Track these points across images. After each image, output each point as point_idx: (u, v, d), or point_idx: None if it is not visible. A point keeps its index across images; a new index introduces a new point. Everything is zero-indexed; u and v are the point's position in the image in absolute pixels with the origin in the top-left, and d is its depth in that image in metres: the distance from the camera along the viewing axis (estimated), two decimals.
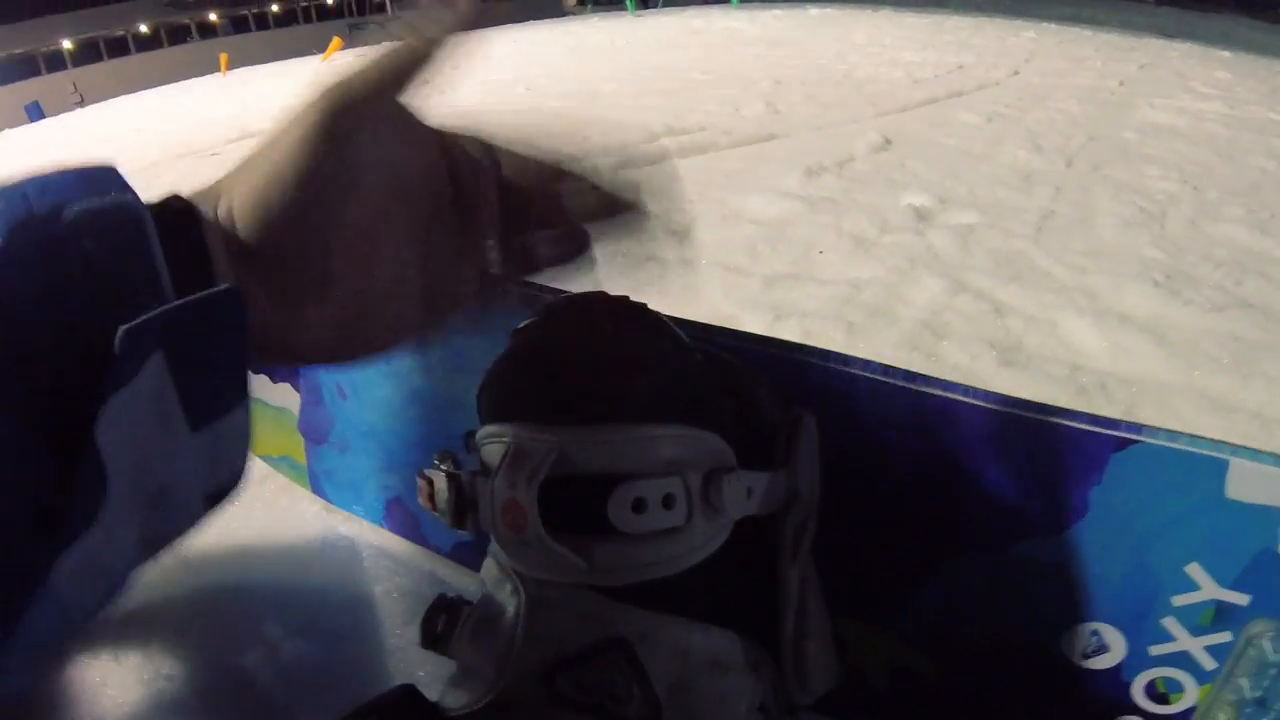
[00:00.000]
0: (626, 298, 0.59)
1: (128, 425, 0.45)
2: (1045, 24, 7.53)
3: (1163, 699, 0.62)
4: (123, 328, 0.41)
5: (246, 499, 1.06)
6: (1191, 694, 0.61)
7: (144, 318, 0.42)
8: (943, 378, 0.63)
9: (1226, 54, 6.06)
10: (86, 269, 0.42)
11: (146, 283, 0.44)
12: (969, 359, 1.40)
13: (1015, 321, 1.55)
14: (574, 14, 14.64)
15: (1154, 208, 2.26)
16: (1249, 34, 8.61)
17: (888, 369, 0.64)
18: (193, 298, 0.43)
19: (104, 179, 0.47)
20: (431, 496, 0.56)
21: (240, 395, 0.48)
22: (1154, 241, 2.01)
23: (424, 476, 0.57)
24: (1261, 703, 0.59)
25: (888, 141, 2.92)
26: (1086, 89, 4.17)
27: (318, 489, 1.05)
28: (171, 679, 0.84)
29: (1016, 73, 4.63)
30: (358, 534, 1.01)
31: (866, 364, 0.65)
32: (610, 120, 3.44)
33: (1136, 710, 0.64)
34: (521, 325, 0.58)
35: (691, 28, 8.06)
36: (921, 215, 2.16)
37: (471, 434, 0.58)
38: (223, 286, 0.44)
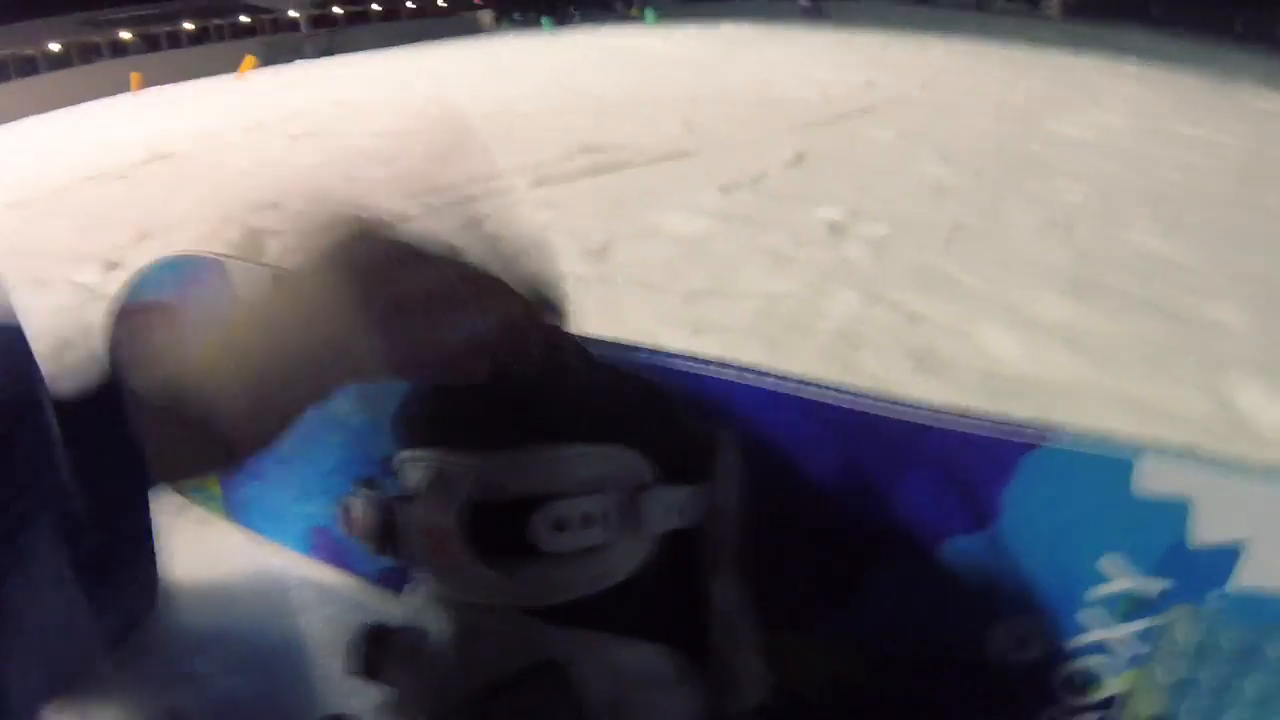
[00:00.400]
0: (537, 316, 0.58)
1: (21, 602, 0.44)
2: (953, 40, 7.68)
3: (1085, 689, 0.63)
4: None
5: (169, 531, 1.04)
6: (1114, 682, 0.62)
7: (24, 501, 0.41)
8: (858, 388, 0.64)
9: (1133, 67, 6.23)
10: None
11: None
12: (885, 368, 1.42)
13: (930, 330, 1.57)
14: (490, 32, 14.65)
15: (1063, 217, 2.31)
16: (1156, 45, 8.85)
17: (804, 383, 0.64)
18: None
19: None
20: (351, 524, 0.54)
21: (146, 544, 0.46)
22: (1063, 250, 2.05)
23: (343, 504, 0.55)
24: (1181, 686, 0.60)
25: (801, 157, 2.95)
26: (995, 103, 4.26)
27: (239, 520, 1.02)
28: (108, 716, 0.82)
29: (925, 87, 4.71)
30: (284, 565, 0.99)
31: (783, 378, 0.65)
32: (526, 138, 3.43)
33: (1061, 702, 0.64)
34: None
35: (608, 46, 8.12)
36: (835, 229, 2.18)
37: (389, 459, 0.56)
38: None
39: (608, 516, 0.51)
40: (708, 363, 0.67)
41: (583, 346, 0.58)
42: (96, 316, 0.97)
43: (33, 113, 7.83)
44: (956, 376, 1.40)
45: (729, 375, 0.66)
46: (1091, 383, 1.40)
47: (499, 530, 0.50)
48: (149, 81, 8.91)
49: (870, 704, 0.71)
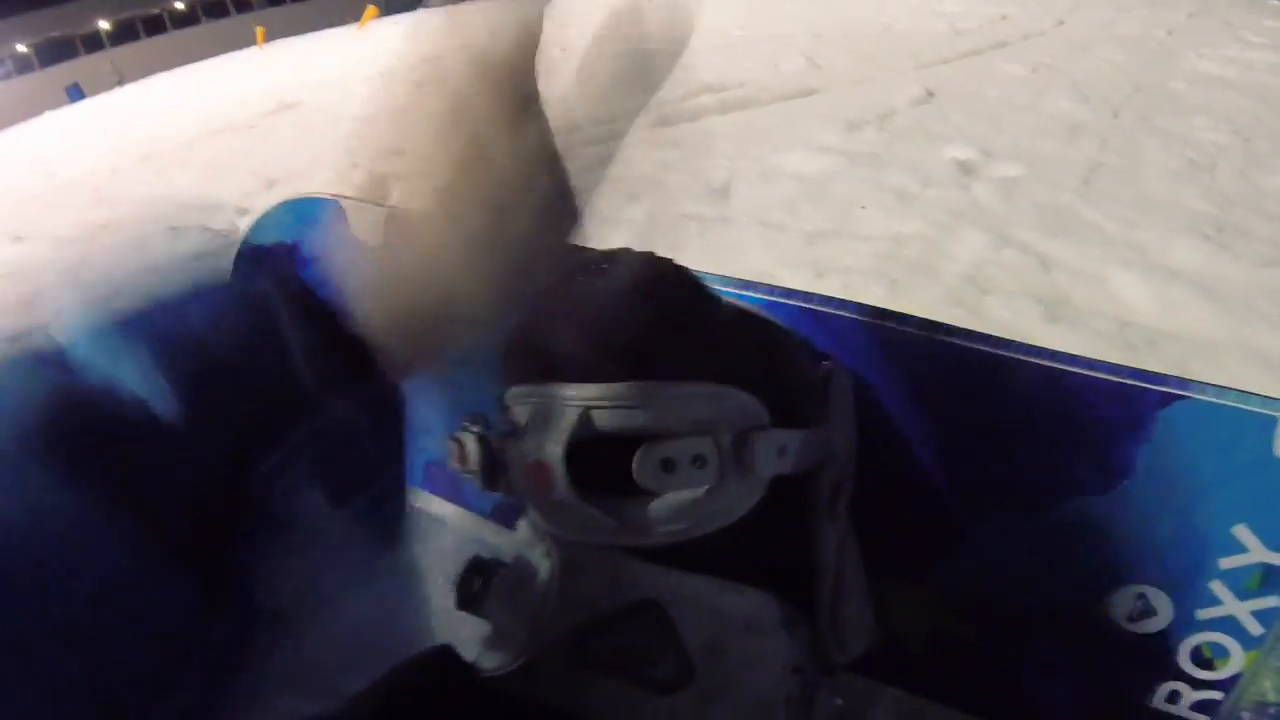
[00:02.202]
0: (653, 253, 0.58)
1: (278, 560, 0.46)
2: None
3: (1208, 664, 0.61)
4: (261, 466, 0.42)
5: None
6: (1237, 660, 0.60)
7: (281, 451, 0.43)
8: (985, 333, 0.62)
9: (1276, 2, 5.90)
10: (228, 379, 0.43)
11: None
12: (1014, 315, 1.39)
13: (1061, 276, 1.53)
14: None
15: (1203, 159, 2.21)
16: None
17: (926, 323, 0.62)
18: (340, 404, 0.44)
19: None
20: (463, 459, 0.55)
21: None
22: (1203, 194, 1.96)
23: (455, 439, 0.56)
24: None
25: (930, 94, 2.87)
26: (1133, 39, 4.08)
27: None
28: None
29: (1061, 22, 4.53)
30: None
31: (905, 318, 0.63)
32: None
33: (1183, 676, 0.62)
34: (546, 283, 0.58)
35: None
36: (965, 169, 2.13)
37: (500, 395, 0.57)
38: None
39: (717, 458, 0.51)
40: (827, 301, 0.65)
41: (697, 281, 0.58)
42: (229, 261, 1.01)
43: (161, 70, 8.05)
44: (1088, 325, 1.36)
45: (848, 314, 0.64)
46: (1230, 335, 1.35)
47: (605, 468, 0.50)
48: (273, 35, 9.07)
49: (977, 660, 0.70)
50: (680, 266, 0.57)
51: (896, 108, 2.73)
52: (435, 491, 0.99)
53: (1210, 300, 1.44)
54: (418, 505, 1.00)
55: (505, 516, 0.92)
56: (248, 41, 9.01)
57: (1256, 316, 1.40)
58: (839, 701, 0.59)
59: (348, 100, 3.98)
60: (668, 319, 0.53)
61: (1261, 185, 2.05)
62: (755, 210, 1.91)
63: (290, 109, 3.89)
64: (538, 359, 0.54)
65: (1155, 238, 1.69)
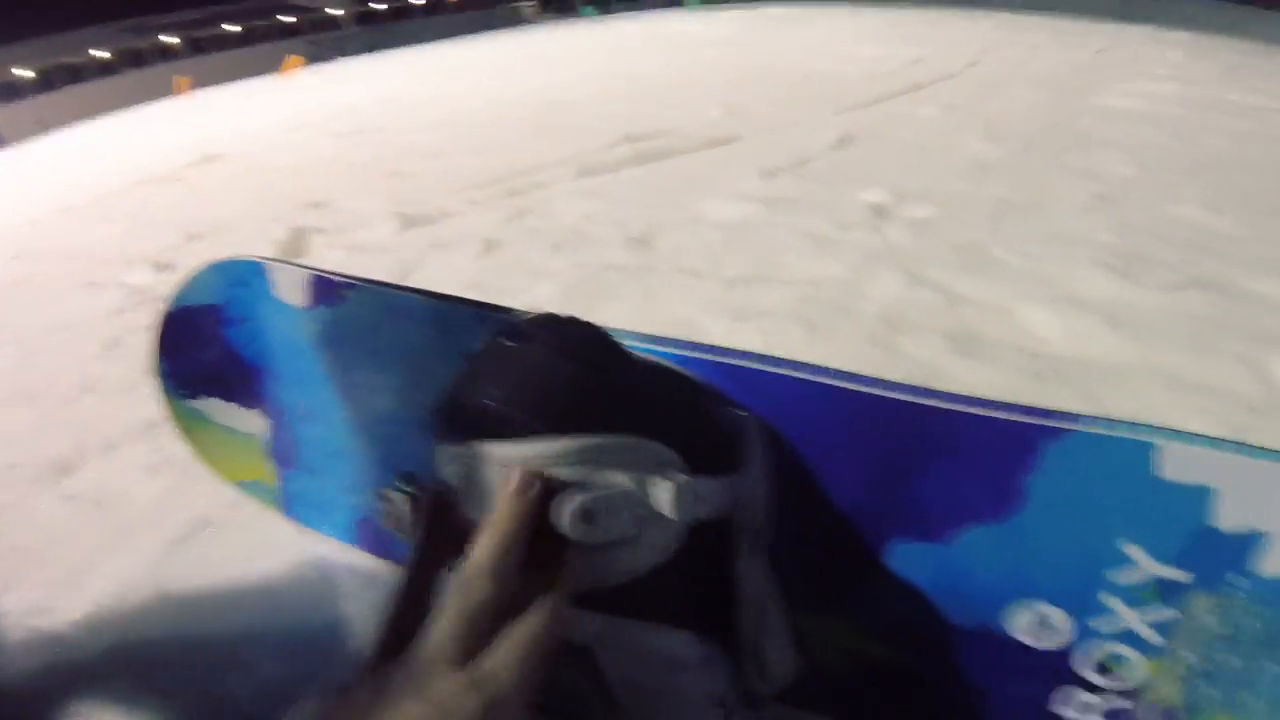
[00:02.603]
0: (575, 318, 0.60)
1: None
2: (1002, 13, 7.59)
3: (1112, 673, 0.64)
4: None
5: (221, 525, 1.07)
6: (1139, 668, 0.63)
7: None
8: (884, 378, 0.65)
9: (1183, 34, 6.12)
10: None
11: None
12: (927, 351, 1.41)
13: (972, 312, 1.57)
14: (533, 22, 14.71)
15: (1110, 192, 2.29)
16: (1206, 14, 8.69)
17: (831, 372, 0.65)
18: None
19: None
20: (389, 516, 0.57)
21: None
22: (1109, 226, 2.03)
23: (385, 498, 0.58)
24: (1207, 675, 0.61)
25: (845, 139, 2.93)
26: (1043, 77, 4.21)
27: (290, 512, 1.05)
28: (154, 706, 0.86)
29: (974, 64, 4.66)
30: (330, 554, 1.02)
31: (813, 369, 0.66)
32: (570, 128, 3.45)
33: (1087, 686, 0.65)
34: (475, 350, 0.59)
35: (650, 32, 8.11)
36: (878, 212, 2.18)
37: (428, 453, 0.59)
38: None
39: (635, 508, 0.54)
40: (737, 354, 0.68)
41: (614, 342, 0.60)
42: (148, 318, 1.01)
43: (81, 120, 7.98)
44: (998, 357, 1.39)
45: (758, 366, 0.67)
46: (1135, 361, 1.39)
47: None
48: (195, 85, 9.05)
49: (896, 681, 0.73)
50: (598, 329, 0.61)
51: (813, 154, 2.78)
52: (367, 549, 0.99)
53: (1116, 328, 1.49)
54: (348, 562, 1.01)
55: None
56: (169, 91, 8.97)
57: (1162, 341, 1.44)
58: None
59: (270, 152, 3.98)
60: (587, 379, 0.56)
61: (1167, 214, 2.12)
62: (677, 259, 1.93)
63: (212, 161, 3.87)
64: (467, 418, 0.56)
65: (1062, 271, 1.73)
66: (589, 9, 13.06)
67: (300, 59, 8.92)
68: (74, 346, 1.81)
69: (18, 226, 3.29)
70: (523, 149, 3.14)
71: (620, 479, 0.54)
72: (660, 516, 0.55)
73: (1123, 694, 0.64)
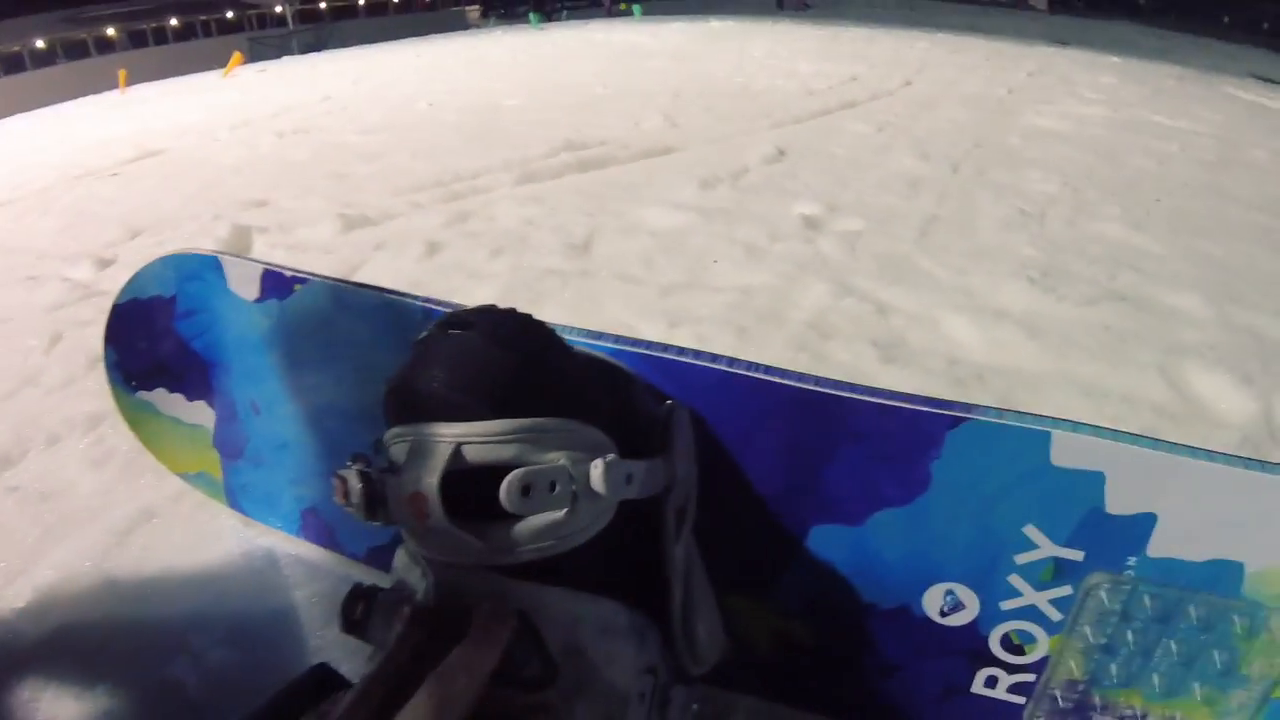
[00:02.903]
0: (514, 309, 0.64)
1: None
2: (939, 34, 7.71)
3: (1018, 650, 0.69)
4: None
5: (165, 517, 1.08)
6: (1043, 644, 0.68)
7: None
8: (800, 372, 0.70)
9: (1115, 59, 6.27)
10: None
11: None
12: (853, 357, 1.46)
13: (898, 320, 1.62)
14: (477, 27, 14.66)
15: (1034, 209, 2.36)
16: (1139, 39, 8.90)
17: (752, 365, 0.70)
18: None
19: None
20: (346, 494, 0.60)
21: None
22: (1032, 241, 2.10)
23: (339, 476, 0.61)
24: (1107, 648, 0.67)
25: (781, 152, 2.99)
26: (975, 97, 4.29)
27: (234, 504, 1.07)
28: (100, 692, 0.87)
29: (909, 83, 4.74)
30: (275, 544, 1.05)
31: (733, 361, 0.71)
32: (512, 134, 3.47)
33: (996, 662, 0.70)
34: (421, 337, 0.63)
35: (594, 41, 8.12)
36: (811, 223, 2.23)
37: (379, 439, 0.63)
38: None
39: (570, 484, 0.58)
40: (665, 348, 0.72)
41: (552, 332, 0.64)
42: (90, 313, 1.01)
43: (19, 111, 7.80)
44: (921, 364, 1.44)
45: (685, 359, 0.71)
46: (1053, 369, 1.45)
47: (474, 496, 0.57)
48: (136, 78, 8.87)
49: (818, 662, 0.77)
50: (537, 321, 0.65)
51: (749, 165, 2.83)
52: (311, 539, 1.02)
53: (1034, 338, 1.54)
54: (294, 553, 1.03)
55: (378, 559, 0.95)
56: (110, 84, 8.78)
57: (1077, 350, 1.50)
58: (695, 707, 0.65)
59: (212, 148, 3.94)
60: (527, 365, 0.60)
61: (1087, 231, 2.20)
62: (614, 265, 1.96)
63: (154, 156, 3.82)
64: (414, 402, 0.60)
65: (985, 283, 1.79)
66: (535, 16, 13.03)
67: (241, 56, 8.81)
68: (14, 340, 1.77)
69: None
70: (465, 153, 3.14)
71: (556, 457, 0.58)
72: (592, 492, 0.59)
73: (1029, 668, 0.69)
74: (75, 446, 1.32)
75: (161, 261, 0.98)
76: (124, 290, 1.00)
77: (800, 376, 0.69)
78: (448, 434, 0.57)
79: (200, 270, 0.96)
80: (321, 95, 5.49)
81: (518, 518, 0.57)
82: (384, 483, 0.59)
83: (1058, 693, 0.69)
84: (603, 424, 0.61)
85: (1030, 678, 0.70)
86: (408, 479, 0.58)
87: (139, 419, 1.07)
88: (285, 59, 10.00)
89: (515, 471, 0.57)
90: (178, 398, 1.04)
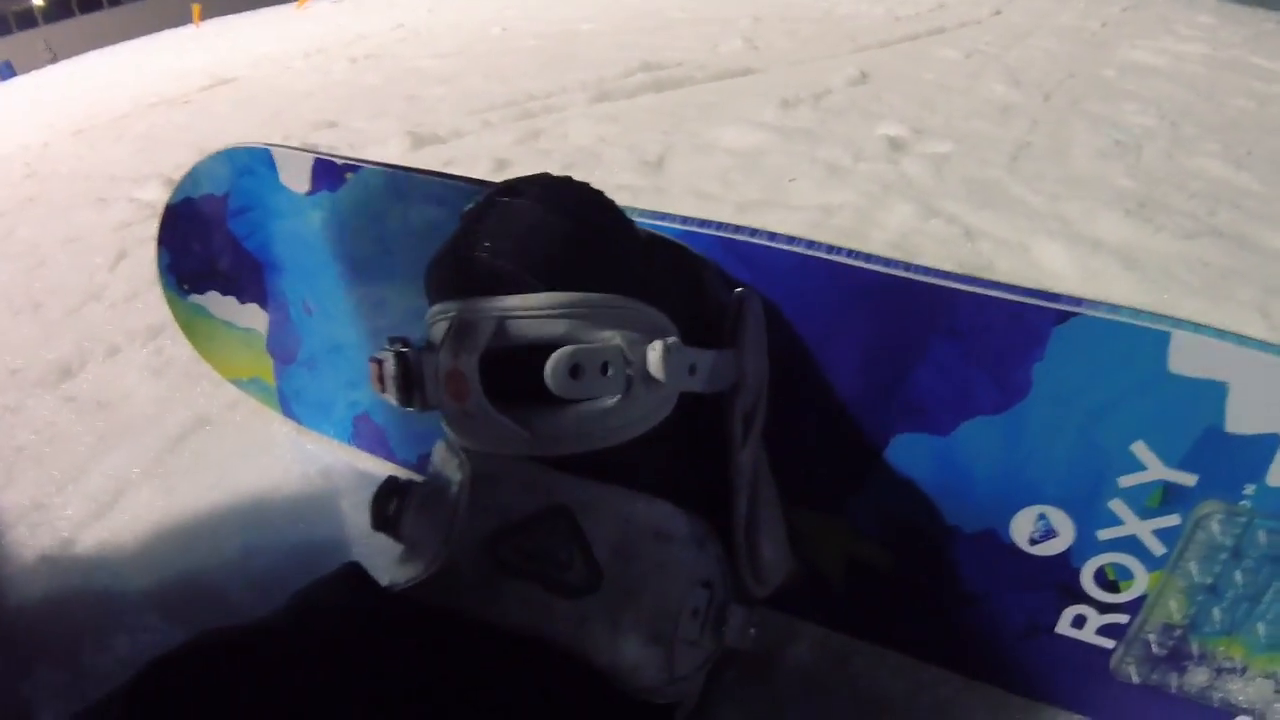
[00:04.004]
0: (570, 177, 0.58)
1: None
2: None
3: (1113, 586, 0.62)
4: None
5: (218, 424, 1.07)
6: (1142, 581, 0.61)
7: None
8: (885, 256, 0.63)
9: (1213, 1, 6.01)
10: None
11: None
12: None
13: (986, 245, 1.54)
14: None
15: (1130, 140, 2.24)
16: None
17: (833, 248, 0.63)
18: None
19: None
20: (381, 378, 0.56)
21: None
22: (1129, 172, 1.99)
23: (375, 360, 0.56)
24: (1212, 589, 0.59)
25: (865, 75, 2.88)
26: (1069, 29, 4.13)
27: (288, 411, 1.05)
28: (140, 596, 0.85)
29: (999, 12, 4.57)
30: (327, 452, 1.03)
31: (812, 244, 0.64)
32: (587, 57, 3.41)
33: (1087, 599, 0.63)
34: (469, 207, 0.58)
35: None
36: (896, 145, 2.14)
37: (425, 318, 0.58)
38: None
39: (625, 367, 0.52)
40: (737, 229, 0.66)
41: (613, 204, 0.59)
42: (156, 230, 1.00)
43: (95, 48, 7.89)
44: None
45: (759, 241, 0.65)
46: (1148, 301, 1.37)
47: (518, 378, 0.51)
48: (210, 12, 8.92)
49: (892, 590, 0.71)
50: (598, 190, 0.58)
51: (832, 87, 2.74)
52: (363, 447, 0.99)
53: (1131, 269, 1.46)
54: (345, 460, 1.00)
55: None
56: (185, 20, 8.84)
57: (1175, 284, 1.42)
58: (753, 631, 0.60)
59: (283, 76, 3.94)
60: (583, 236, 0.54)
61: (1186, 165, 2.08)
62: (689, 181, 1.91)
63: (226, 84, 3.84)
64: (457, 275, 0.55)
65: (1079, 211, 1.71)
66: None
67: None
68: (81, 258, 1.81)
69: (30, 149, 3.27)
70: (538, 76, 3.10)
71: (610, 336, 0.52)
72: (650, 379, 0.53)
73: (1123, 608, 0.63)
74: (134, 357, 1.33)
75: (214, 157, 0.94)
76: (177, 189, 0.98)
77: (889, 262, 0.63)
78: (490, 308, 0.51)
79: (252, 164, 0.92)
80: (395, 23, 5.48)
81: (566, 403, 0.52)
82: (421, 362, 0.55)
83: (1152, 637, 0.62)
84: (665, 307, 0.55)
85: (1123, 619, 0.63)
86: (445, 357, 0.52)
87: (192, 324, 1.05)
88: None
89: (563, 349, 0.51)
90: (230, 300, 1.01)
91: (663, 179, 1.93)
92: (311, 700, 0.44)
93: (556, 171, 0.59)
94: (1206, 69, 3.29)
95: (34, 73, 8.32)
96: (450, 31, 4.82)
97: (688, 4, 4.99)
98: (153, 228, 1.01)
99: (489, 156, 2.15)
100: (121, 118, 3.39)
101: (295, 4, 8.29)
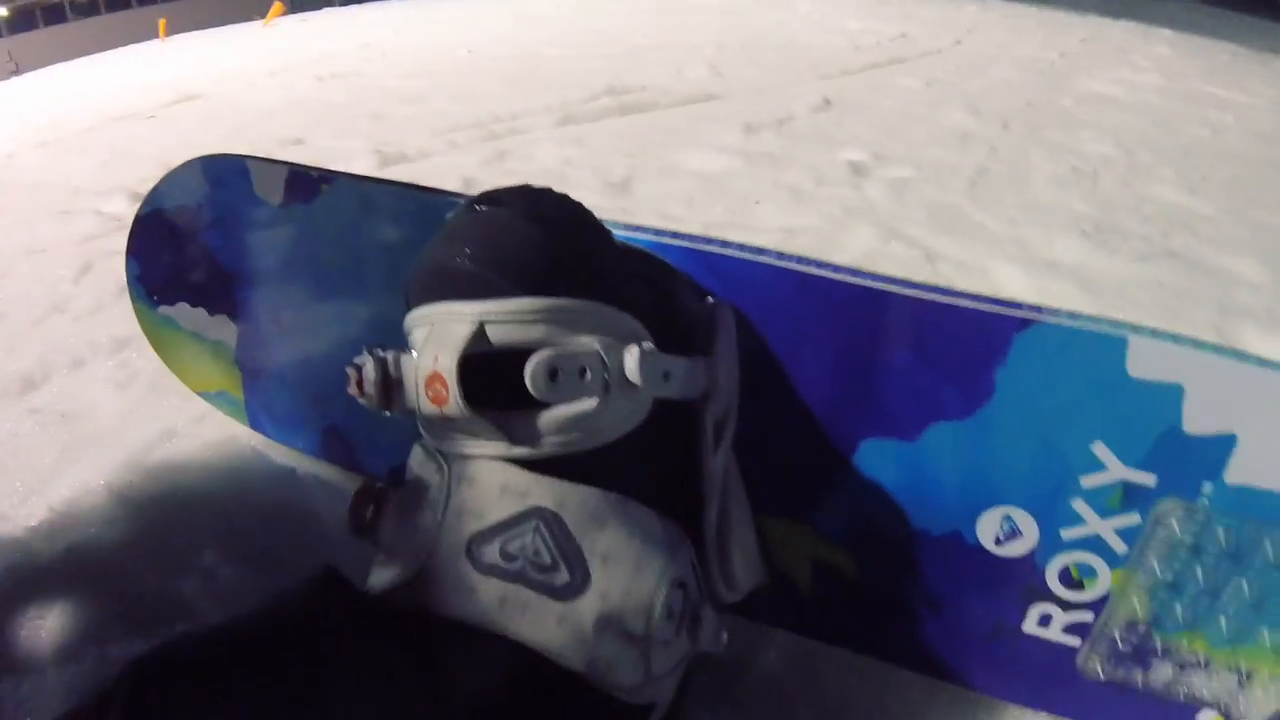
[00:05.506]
0: (549, 188, 0.59)
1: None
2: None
3: (1078, 585, 0.64)
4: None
5: (185, 438, 1.06)
6: (1105, 579, 0.63)
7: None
8: (853, 267, 0.65)
9: (1169, 32, 6.13)
10: None
11: None
12: None
13: (946, 267, 1.57)
14: None
15: (1087, 168, 2.30)
16: (1192, 16, 8.71)
17: (802, 259, 0.65)
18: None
19: None
20: (360, 383, 0.56)
21: None
22: (1085, 198, 2.04)
23: (353, 366, 0.57)
24: (1174, 586, 0.61)
25: (828, 102, 2.92)
26: (1028, 59, 4.20)
27: (256, 424, 1.04)
28: (105, 610, 0.85)
29: (959, 42, 4.64)
30: (296, 465, 1.02)
31: (781, 255, 0.66)
32: (553, 80, 3.42)
33: (1053, 598, 0.65)
34: (449, 216, 0.59)
35: None
36: (858, 170, 2.17)
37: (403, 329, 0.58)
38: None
39: (602, 371, 0.53)
40: (708, 240, 0.68)
41: (589, 214, 0.60)
42: (121, 243, 1.00)
43: (60, 60, 7.82)
44: None
45: (729, 252, 0.67)
46: None
47: (496, 383, 0.52)
48: (176, 28, 8.86)
49: (860, 594, 0.72)
50: (575, 200, 0.60)
51: (795, 114, 2.77)
52: (332, 460, 0.98)
53: (1088, 290, 1.50)
54: (314, 472, 1.00)
55: (402, 479, 0.93)
56: (150, 34, 8.77)
57: (1131, 305, 1.46)
58: (725, 635, 0.61)
59: (249, 92, 3.91)
60: (561, 244, 0.55)
61: (1141, 191, 2.13)
62: (654, 204, 1.92)
63: (192, 100, 3.80)
64: (437, 281, 0.55)
65: (1037, 235, 1.74)
66: None
67: (282, 6, 8.76)
68: (46, 270, 1.79)
69: None
70: (504, 97, 3.10)
71: (588, 341, 0.54)
72: (626, 383, 0.55)
73: (1087, 606, 0.65)
74: (99, 370, 1.31)
75: (186, 167, 0.94)
76: (147, 199, 0.97)
77: (855, 272, 0.64)
78: (469, 312, 0.52)
79: (225, 175, 0.92)
80: (361, 43, 5.46)
81: (544, 406, 0.53)
82: (400, 366, 0.55)
83: (1117, 634, 0.64)
84: (640, 314, 0.57)
85: (1088, 616, 0.65)
86: (425, 360, 0.53)
87: (161, 336, 1.04)
88: (326, 10, 9.95)
89: (542, 351, 0.52)
90: (199, 312, 1.00)
91: (629, 201, 1.95)
92: (288, 701, 0.44)
93: None
94: (1162, 99, 3.36)
95: None
96: (417, 52, 4.81)
97: (652, 30, 5.02)
98: (118, 241, 1.00)
99: (456, 176, 2.15)
100: (86, 130, 3.36)
101: (261, 21, 8.24)
